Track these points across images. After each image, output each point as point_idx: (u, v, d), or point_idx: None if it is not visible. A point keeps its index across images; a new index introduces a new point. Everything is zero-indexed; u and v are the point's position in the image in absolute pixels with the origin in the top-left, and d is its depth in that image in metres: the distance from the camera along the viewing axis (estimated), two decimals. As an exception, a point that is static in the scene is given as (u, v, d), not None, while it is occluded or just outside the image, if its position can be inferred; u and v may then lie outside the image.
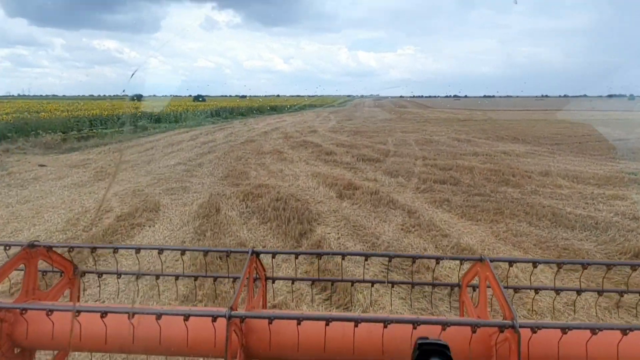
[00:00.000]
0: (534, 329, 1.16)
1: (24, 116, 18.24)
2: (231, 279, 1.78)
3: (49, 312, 1.29)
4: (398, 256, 1.51)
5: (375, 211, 6.43)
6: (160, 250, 1.61)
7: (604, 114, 37.80)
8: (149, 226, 5.70)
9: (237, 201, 6.89)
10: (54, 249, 1.60)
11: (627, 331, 1.16)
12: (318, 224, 5.78)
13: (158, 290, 3.42)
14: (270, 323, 1.26)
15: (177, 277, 1.83)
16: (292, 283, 1.94)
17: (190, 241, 5.07)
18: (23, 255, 1.49)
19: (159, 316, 1.22)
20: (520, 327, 1.13)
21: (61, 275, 1.69)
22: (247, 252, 1.52)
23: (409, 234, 5.41)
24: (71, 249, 1.68)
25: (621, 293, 1.64)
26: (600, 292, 1.68)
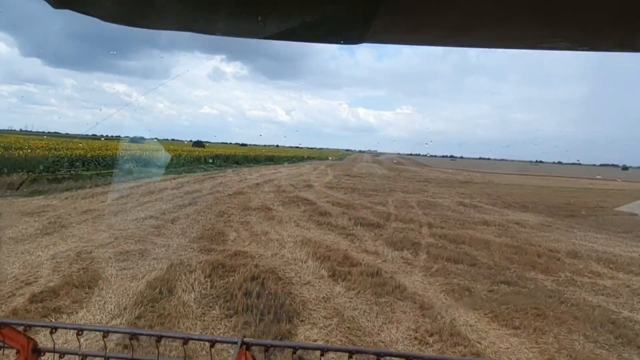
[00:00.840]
0: None
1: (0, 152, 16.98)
2: None
3: None
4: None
5: (377, 302, 4.94)
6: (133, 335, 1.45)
7: (604, 183, 37.18)
8: (69, 313, 4.17)
9: (202, 277, 5.39)
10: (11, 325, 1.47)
11: None
12: (301, 320, 4.28)
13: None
14: None
15: None
16: None
17: (112, 347, 3.50)
18: None
19: None
20: None
21: (17, 354, 1.55)
22: (236, 343, 1.36)
23: (426, 348, 3.90)
24: (28, 327, 1.54)
25: None
26: None
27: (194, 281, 5.21)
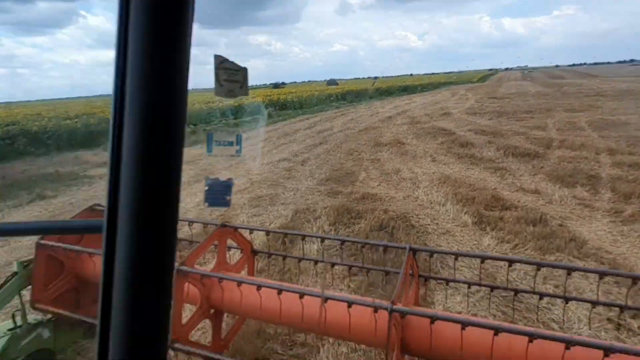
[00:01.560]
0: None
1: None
2: (381, 273, 2.10)
3: (239, 283, 1.66)
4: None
5: (542, 260, 3.80)
6: (322, 240, 2.49)
7: None
8: (202, 264, 4.26)
9: (326, 224, 5.01)
10: (239, 230, 2.15)
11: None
12: (439, 284, 3.51)
13: (315, 273, 3.49)
14: (432, 323, 1.32)
15: (332, 264, 2.29)
16: (447, 284, 2.15)
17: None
18: (218, 233, 2.02)
19: (325, 300, 1.44)
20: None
21: (241, 253, 2.29)
22: (405, 249, 1.73)
23: (631, 336, 2.74)
24: (251, 231, 2.27)
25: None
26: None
27: (318, 229, 4.87)
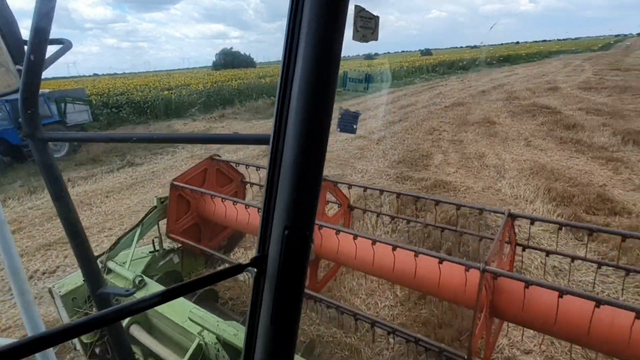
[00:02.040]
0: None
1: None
2: (477, 238, 2.01)
3: (337, 232, 1.74)
4: None
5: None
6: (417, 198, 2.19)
7: None
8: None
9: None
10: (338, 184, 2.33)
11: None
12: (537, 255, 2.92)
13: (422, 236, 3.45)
14: (526, 287, 1.30)
15: (425, 225, 2.35)
16: (547, 256, 1.95)
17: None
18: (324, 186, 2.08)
19: (416, 254, 1.48)
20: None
21: (339, 207, 2.43)
22: (503, 214, 1.68)
23: None
24: (350, 187, 2.38)
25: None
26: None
27: (375, 225, 4.42)
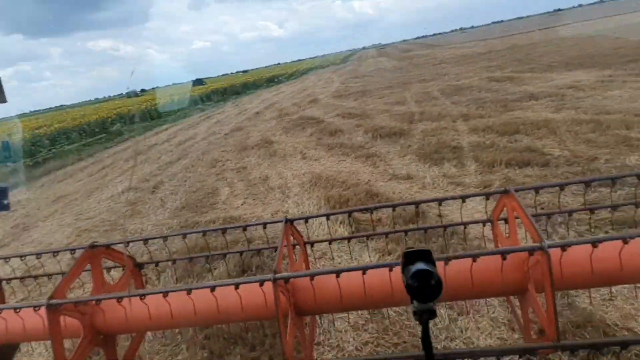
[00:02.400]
0: (564, 247, 1.26)
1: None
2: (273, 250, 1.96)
3: (119, 299, 1.54)
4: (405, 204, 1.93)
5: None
6: (204, 233, 2.03)
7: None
8: None
9: (172, 280, 3.79)
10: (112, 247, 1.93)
11: None
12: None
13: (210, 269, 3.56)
14: (312, 280, 1.44)
15: (225, 255, 2.16)
16: (330, 244, 2.22)
17: None
18: (87, 255, 1.77)
19: (212, 288, 1.43)
20: (549, 247, 1.23)
21: (123, 270, 2.11)
22: (282, 222, 1.73)
23: None
24: (126, 245, 2.11)
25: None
26: (637, 205, 1.74)
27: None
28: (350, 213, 1.96)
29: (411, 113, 10.01)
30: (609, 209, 1.83)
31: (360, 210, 2.03)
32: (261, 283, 1.40)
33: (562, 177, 4.64)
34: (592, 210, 1.83)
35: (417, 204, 1.86)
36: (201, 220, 5.39)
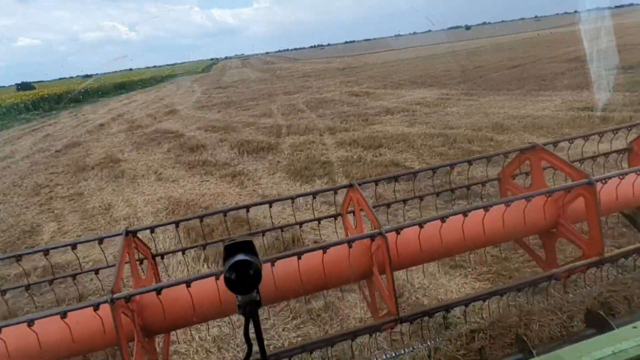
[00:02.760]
0: (398, 230, 1.42)
1: None
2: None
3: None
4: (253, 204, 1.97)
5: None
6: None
7: (450, 46, 39.14)
8: None
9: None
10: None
11: (466, 213, 1.49)
12: None
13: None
14: (159, 294, 1.26)
15: (51, 281, 1.78)
16: (183, 254, 2.02)
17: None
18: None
19: (30, 323, 1.19)
20: (387, 232, 1.38)
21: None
22: (121, 235, 1.56)
23: None
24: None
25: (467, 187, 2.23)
26: (452, 190, 2.20)
27: None
28: (202, 218, 1.84)
29: (278, 126, 9.70)
30: (433, 195, 2.18)
31: (204, 216, 1.87)
32: (96, 307, 1.23)
33: (425, 190, 4.80)
34: (420, 198, 2.06)
35: (248, 207, 1.90)
36: (12, 272, 3.97)
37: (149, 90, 31.30)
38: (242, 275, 0.77)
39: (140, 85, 38.80)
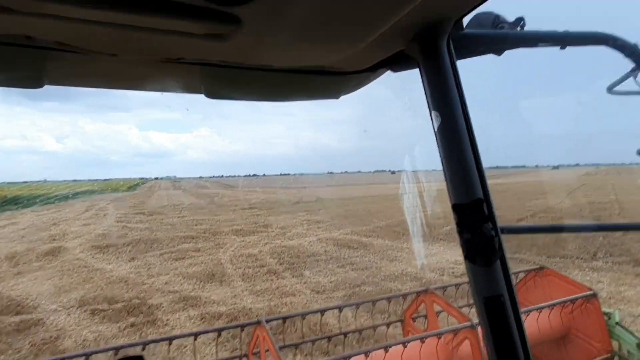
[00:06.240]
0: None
1: None
2: None
3: None
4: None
5: None
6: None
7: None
8: None
9: None
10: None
11: (368, 353, 1.76)
12: None
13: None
14: None
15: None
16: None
17: None
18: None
19: None
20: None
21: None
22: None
23: None
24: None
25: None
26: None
27: None
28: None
29: (246, 311, 4.85)
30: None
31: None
32: None
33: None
34: (329, 338, 2.34)
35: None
36: None
37: (49, 209, 24.65)
38: None
39: (41, 200, 31.64)
